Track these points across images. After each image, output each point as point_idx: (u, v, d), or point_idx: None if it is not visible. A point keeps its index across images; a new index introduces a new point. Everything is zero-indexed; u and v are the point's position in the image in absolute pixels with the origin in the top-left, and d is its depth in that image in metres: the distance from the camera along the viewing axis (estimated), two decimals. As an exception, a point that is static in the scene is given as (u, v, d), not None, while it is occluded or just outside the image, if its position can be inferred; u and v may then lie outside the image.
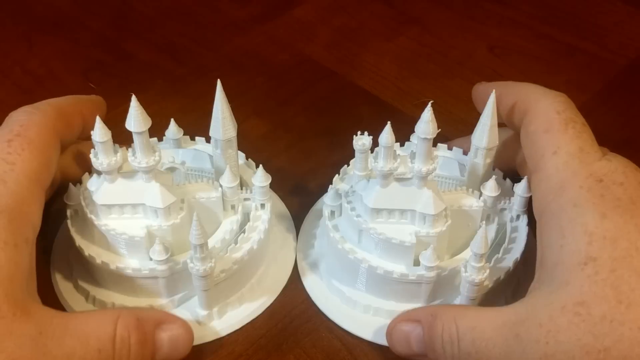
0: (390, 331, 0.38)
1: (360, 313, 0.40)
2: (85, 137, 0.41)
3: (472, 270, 0.36)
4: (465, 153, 0.43)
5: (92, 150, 0.37)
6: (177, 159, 0.42)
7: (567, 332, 0.31)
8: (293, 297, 0.42)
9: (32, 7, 0.66)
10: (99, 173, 0.38)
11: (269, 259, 0.42)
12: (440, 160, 0.42)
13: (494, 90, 0.38)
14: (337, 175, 0.42)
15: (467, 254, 0.38)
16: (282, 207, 0.46)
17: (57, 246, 0.44)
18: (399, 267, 0.38)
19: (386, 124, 0.36)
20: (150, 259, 0.38)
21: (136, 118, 0.35)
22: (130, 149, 0.37)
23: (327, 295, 0.41)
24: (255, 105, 0.55)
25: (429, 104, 0.35)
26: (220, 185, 0.40)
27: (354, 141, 0.40)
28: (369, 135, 0.39)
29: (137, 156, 0.37)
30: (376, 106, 0.55)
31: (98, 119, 0.36)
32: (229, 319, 0.40)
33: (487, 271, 0.37)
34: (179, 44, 0.61)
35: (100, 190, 0.38)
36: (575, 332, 0.30)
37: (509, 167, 0.42)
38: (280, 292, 0.42)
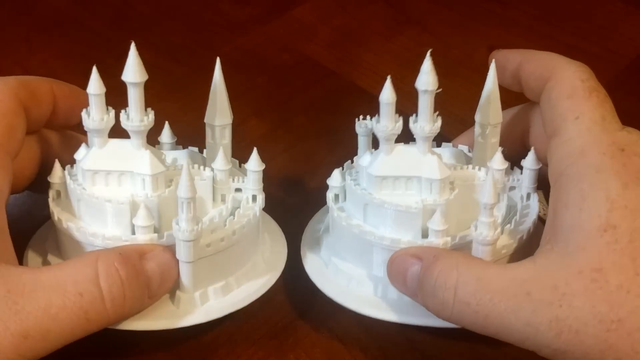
0: (391, 260, 0.36)
1: (369, 293, 0.38)
2: (61, 125, 0.40)
3: (483, 227, 0.34)
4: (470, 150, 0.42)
5: (84, 110, 0.36)
6: (168, 158, 0.40)
7: (583, 297, 0.30)
8: (293, 297, 0.42)
9: (32, 7, 0.66)
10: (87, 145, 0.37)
11: (258, 257, 0.40)
12: (447, 152, 0.41)
13: (494, 60, 0.38)
14: (340, 168, 0.41)
15: None
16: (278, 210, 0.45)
17: (33, 242, 0.41)
18: (406, 237, 0.37)
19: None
20: (133, 234, 0.36)
21: (134, 67, 0.34)
22: (123, 112, 0.36)
23: (331, 279, 0.40)
24: (255, 105, 0.55)
25: (428, 53, 0.34)
26: (212, 169, 0.38)
27: (356, 125, 0.39)
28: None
29: (131, 113, 0.35)
30: (376, 106, 0.55)
31: (94, 70, 0.35)
32: (209, 306, 0.37)
33: (500, 229, 0.35)
34: (179, 44, 0.61)
35: (88, 155, 0.37)
36: (591, 299, 0.30)
37: (521, 145, 0.41)
38: (281, 292, 0.42)
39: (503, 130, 0.40)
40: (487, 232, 0.34)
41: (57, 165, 0.38)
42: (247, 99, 0.55)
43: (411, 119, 0.37)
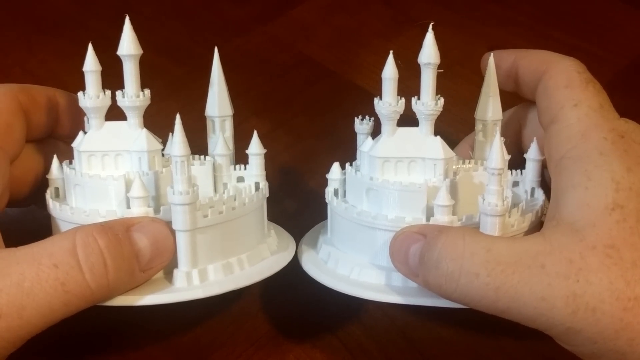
0: (394, 238, 0.35)
1: (371, 281, 0.36)
2: (67, 134, 0.40)
3: (491, 195, 0.33)
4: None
5: (79, 93, 0.36)
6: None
7: (599, 273, 0.29)
8: (294, 297, 0.42)
9: (32, 7, 0.66)
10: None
11: (263, 246, 0.39)
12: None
13: (491, 54, 0.38)
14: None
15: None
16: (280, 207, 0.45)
17: None
18: (409, 216, 0.35)
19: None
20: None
21: (129, 40, 0.34)
22: (119, 91, 0.36)
23: (330, 272, 0.37)
24: (255, 105, 0.55)
25: (430, 26, 0.34)
26: (213, 157, 0.38)
27: (355, 124, 0.39)
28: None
29: (126, 89, 0.35)
30: (376, 106, 0.55)
31: (90, 47, 0.35)
32: (209, 284, 0.35)
33: (509, 200, 0.34)
34: (179, 44, 0.61)
35: (84, 138, 0.36)
36: (607, 275, 0.29)
37: (515, 147, 0.41)
38: (281, 292, 0.42)
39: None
40: (495, 200, 0.33)
41: (55, 160, 0.38)
42: (247, 99, 0.55)
43: (413, 100, 0.36)
